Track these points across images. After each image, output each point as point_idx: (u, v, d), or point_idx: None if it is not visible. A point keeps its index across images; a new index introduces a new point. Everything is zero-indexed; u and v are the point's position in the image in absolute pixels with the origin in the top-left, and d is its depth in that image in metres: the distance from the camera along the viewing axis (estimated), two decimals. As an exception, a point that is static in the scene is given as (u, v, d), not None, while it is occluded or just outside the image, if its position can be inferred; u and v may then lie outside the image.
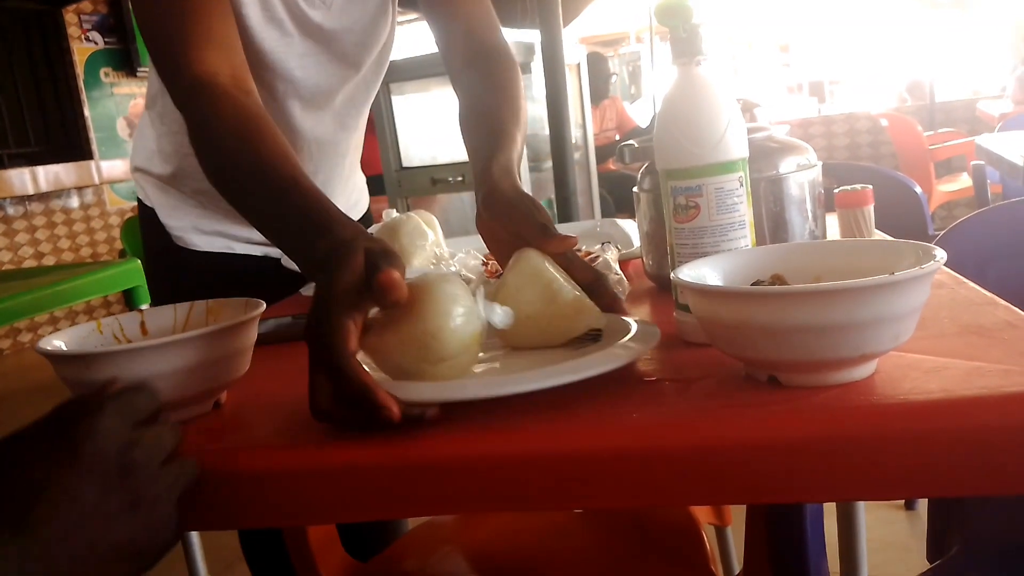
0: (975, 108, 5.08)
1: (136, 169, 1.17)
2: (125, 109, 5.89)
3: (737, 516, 1.21)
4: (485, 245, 0.81)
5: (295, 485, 0.55)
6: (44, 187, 5.24)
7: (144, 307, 1.88)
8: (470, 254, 1.04)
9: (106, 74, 5.80)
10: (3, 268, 4.99)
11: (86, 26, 5.68)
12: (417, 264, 1.06)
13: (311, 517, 0.55)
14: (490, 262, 1.02)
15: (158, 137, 1.12)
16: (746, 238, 0.66)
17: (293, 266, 1.07)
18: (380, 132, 2.87)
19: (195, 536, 1.63)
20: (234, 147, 0.74)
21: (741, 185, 0.65)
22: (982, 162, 2.30)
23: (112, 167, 5.59)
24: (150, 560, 0.51)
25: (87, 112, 5.62)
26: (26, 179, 5.12)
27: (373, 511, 0.55)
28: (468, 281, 0.87)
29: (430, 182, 2.85)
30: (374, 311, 0.58)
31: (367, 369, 0.55)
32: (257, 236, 1.17)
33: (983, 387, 0.49)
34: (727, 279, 0.60)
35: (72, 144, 5.57)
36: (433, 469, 0.52)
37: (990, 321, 0.62)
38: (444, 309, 0.57)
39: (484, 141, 0.87)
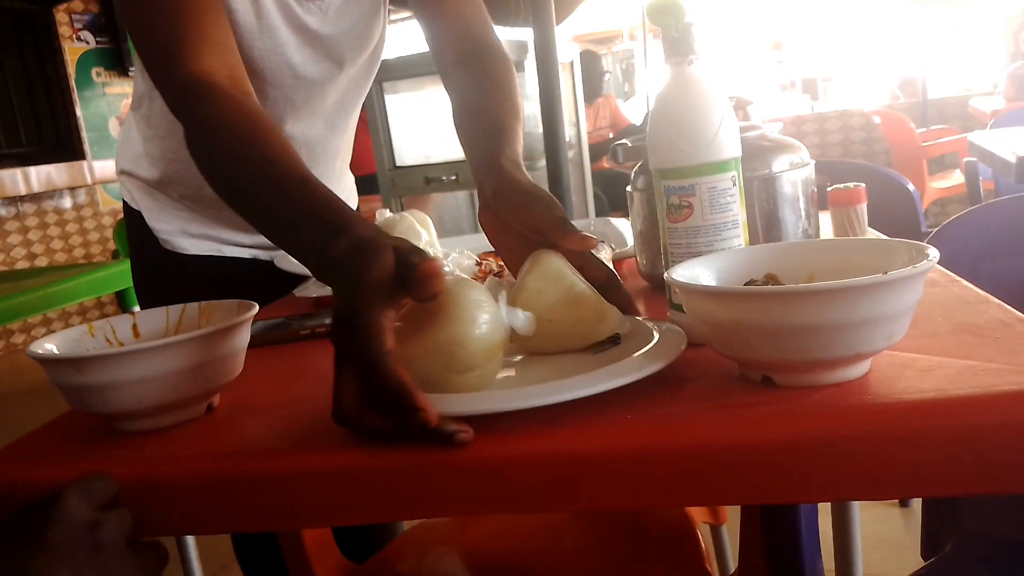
0: (967, 105, 5.09)
1: (122, 172, 1.16)
2: (117, 109, 5.86)
3: (732, 515, 1.21)
4: (488, 239, 0.78)
5: (289, 489, 0.54)
6: (36, 187, 5.22)
7: (136, 309, 1.87)
8: (464, 254, 1.04)
9: (98, 74, 5.78)
10: (-5, 269, 4.96)
11: (77, 25, 5.65)
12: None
13: (305, 521, 0.55)
14: (484, 262, 1.02)
15: (144, 141, 1.11)
16: (739, 237, 0.66)
17: (289, 267, 1.07)
18: (373, 131, 2.86)
19: (190, 538, 1.63)
20: (237, 146, 0.71)
21: (734, 184, 0.65)
22: (974, 159, 2.30)
23: (105, 167, 5.58)
24: None
25: (79, 112, 5.59)
26: (18, 179, 5.10)
27: (367, 514, 0.54)
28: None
29: (424, 181, 2.84)
30: (396, 323, 0.55)
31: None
32: (246, 239, 1.16)
33: (976, 386, 0.49)
34: (721, 279, 0.60)
35: (64, 144, 5.55)
36: (427, 472, 0.52)
37: (983, 319, 0.62)
38: (470, 316, 0.56)
39: (486, 136, 0.85)
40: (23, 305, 1.71)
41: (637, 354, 0.58)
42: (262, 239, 1.16)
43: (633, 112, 5.47)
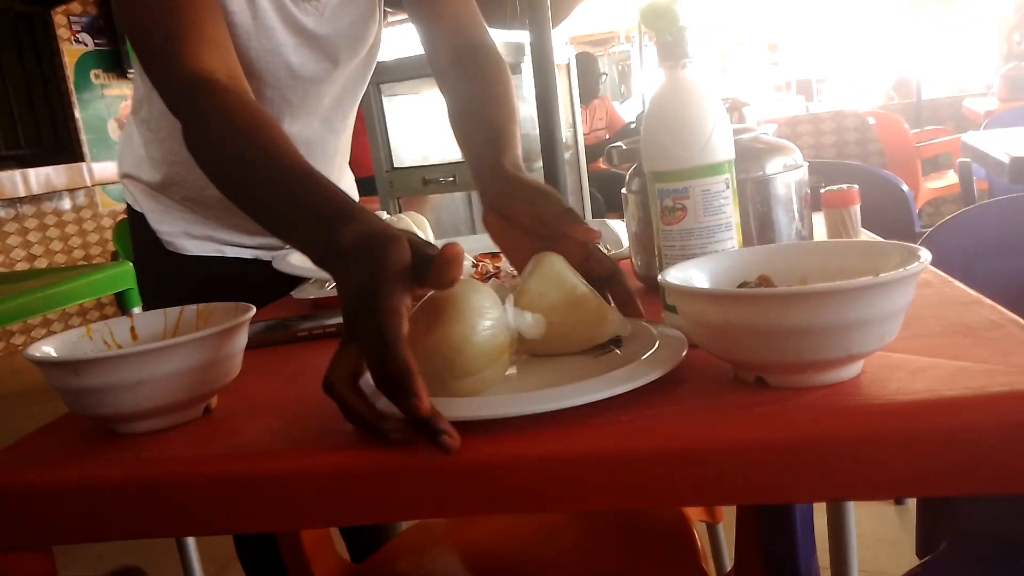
0: (961, 105, 5.10)
1: (124, 175, 1.17)
2: (116, 111, 5.86)
3: (728, 513, 1.22)
4: (493, 240, 0.78)
5: (287, 490, 0.55)
6: (35, 189, 5.22)
7: (136, 310, 1.87)
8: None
9: (96, 76, 5.77)
10: (-7, 271, 4.96)
11: (76, 27, 5.65)
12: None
13: (303, 522, 0.55)
14: (480, 263, 1.03)
15: (145, 144, 1.12)
16: (733, 239, 0.66)
17: (286, 268, 1.08)
18: (371, 133, 2.86)
19: (190, 538, 1.63)
20: (238, 140, 0.71)
21: (727, 187, 0.65)
22: (968, 159, 2.31)
23: (104, 169, 5.58)
24: None
25: (78, 114, 5.59)
26: (17, 181, 5.10)
27: (365, 515, 0.55)
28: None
29: (421, 182, 2.85)
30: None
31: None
32: (248, 240, 1.17)
33: (968, 387, 0.50)
34: (714, 281, 0.61)
35: (63, 146, 5.55)
36: (422, 473, 0.52)
37: (975, 320, 0.63)
38: (469, 322, 0.57)
39: (488, 142, 0.85)
40: (23, 307, 1.71)
41: (637, 361, 0.59)
42: (264, 240, 1.17)
43: (629, 113, 5.47)
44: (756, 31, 7.31)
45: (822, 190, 0.92)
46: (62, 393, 0.62)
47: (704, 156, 0.64)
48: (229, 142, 0.72)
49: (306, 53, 1.04)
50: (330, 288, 1.08)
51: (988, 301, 0.67)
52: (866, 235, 0.97)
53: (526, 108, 2.89)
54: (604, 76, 5.19)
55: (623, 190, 0.90)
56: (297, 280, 1.11)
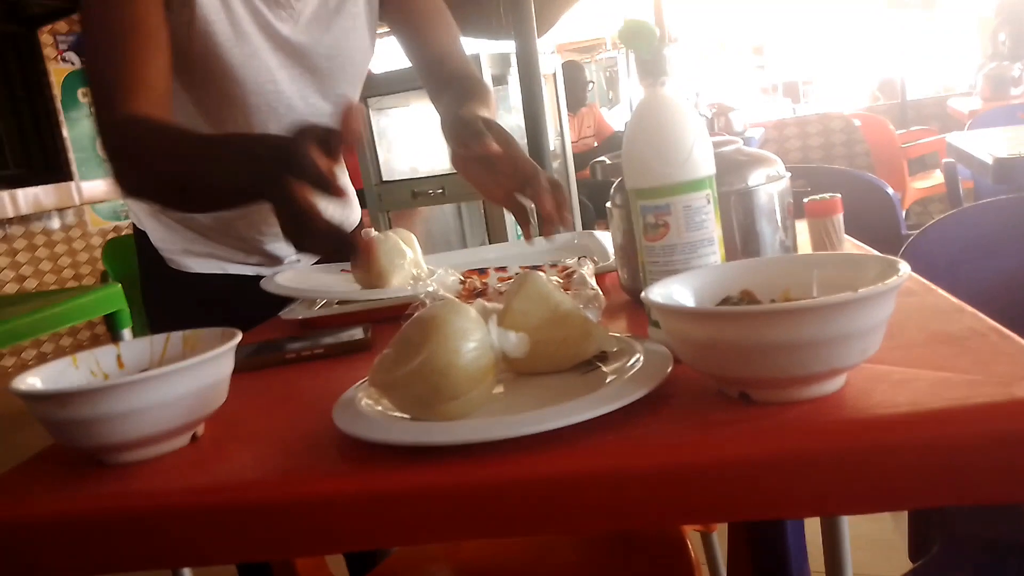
0: (946, 105, 5.14)
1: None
2: (103, 129, 5.84)
3: (721, 523, 1.22)
4: (465, 178, 0.95)
5: (278, 518, 0.55)
6: (24, 209, 5.19)
7: (126, 332, 1.87)
8: (448, 272, 1.04)
9: (84, 94, 5.75)
10: (-17, 293, 4.94)
11: (62, 47, 5.64)
12: (396, 283, 1.06)
13: (295, 550, 0.55)
14: (468, 280, 1.03)
15: None
16: (715, 254, 0.67)
17: (275, 288, 1.08)
18: (359, 146, 2.87)
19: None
20: (158, 148, 0.84)
21: (709, 202, 0.66)
22: (953, 160, 2.33)
23: (93, 187, 5.56)
24: None
25: (66, 133, 5.57)
26: (5, 201, 5.07)
27: (355, 543, 0.55)
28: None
29: (410, 195, 2.85)
30: (386, 351, 0.60)
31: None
32: (248, 257, 1.18)
33: (950, 399, 0.50)
34: (697, 296, 0.61)
35: (51, 165, 5.52)
36: (411, 499, 0.52)
37: (957, 329, 0.63)
38: (453, 346, 0.57)
39: (455, 100, 1.04)
40: (12, 331, 1.70)
41: (623, 379, 0.59)
42: (264, 255, 1.18)
43: (618, 120, 5.49)
44: (741, 34, 7.35)
45: (805, 200, 0.93)
46: (48, 425, 0.62)
47: (685, 172, 0.65)
48: (151, 154, 0.84)
49: (282, 59, 1.07)
50: (319, 308, 1.08)
51: (970, 309, 0.67)
52: (850, 243, 0.97)
53: (514, 118, 2.90)
54: (591, 84, 5.21)
55: (608, 204, 0.91)
56: (286, 302, 1.11)
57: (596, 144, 4.81)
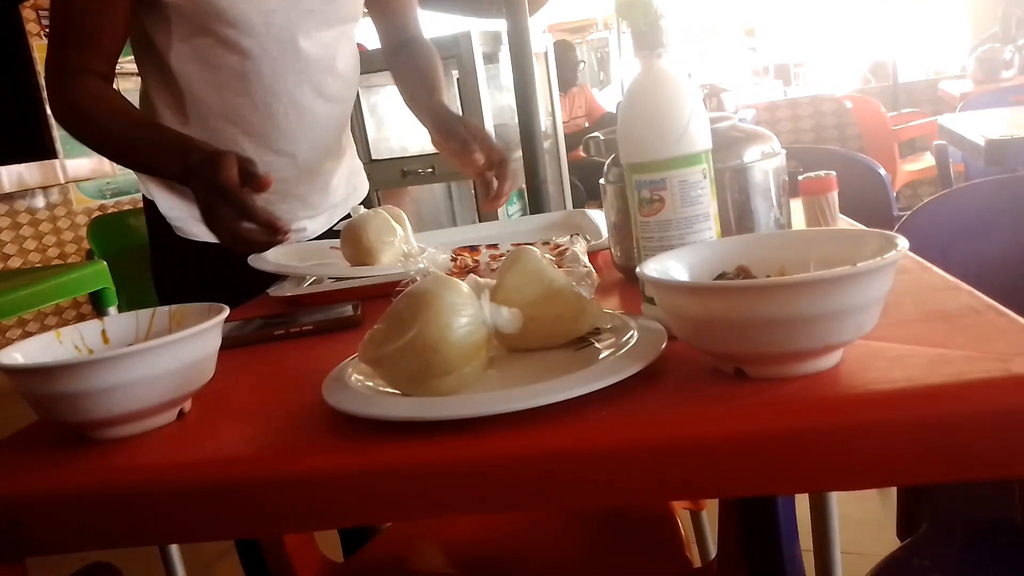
0: (937, 88, 5.14)
1: None
2: (88, 106, 5.76)
3: (712, 501, 1.22)
4: (437, 148, 1.15)
5: (264, 495, 0.54)
6: (7, 187, 5.13)
7: (112, 310, 1.85)
8: (439, 249, 1.03)
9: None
10: (-33, 272, 4.89)
11: (44, 22, 5.55)
12: (386, 261, 1.05)
13: (282, 528, 0.54)
14: (459, 257, 1.02)
15: None
16: (711, 230, 0.66)
17: (261, 264, 1.06)
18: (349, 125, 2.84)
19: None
20: (105, 113, 1.01)
21: (705, 177, 0.65)
22: (944, 142, 2.32)
23: (78, 165, 5.48)
24: None
25: (49, 110, 5.50)
26: (-11, 179, 5.01)
27: (343, 519, 0.54)
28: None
29: (400, 174, 2.83)
30: (376, 326, 0.59)
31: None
32: None
33: (946, 374, 0.50)
34: (693, 272, 0.60)
35: (35, 143, 5.45)
36: (401, 474, 0.52)
37: (953, 306, 0.63)
38: (444, 321, 0.56)
39: (420, 84, 1.24)
40: (-5, 309, 1.68)
41: (617, 354, 0.58)
42: None
43: (609, 101, 5.47)
44: (733, 16, 7.32)
45: (800, 177, 0.92)
46: (31, 400, 0.61)
47: (681, 147, 0.64)
48: (99, 115, 1.01)
49: (282, 6, 1.08)
50: (308, 285, 1.07)
51: (965, 286, 0.67)
52: (844, 221, 0.97)
53: (505, 97, 2.88)
54: (582, 64, 5.18)
55: (601, 180, 0.90)
56: (274, 279, 1.10)
57: (587, 124, 4.79)
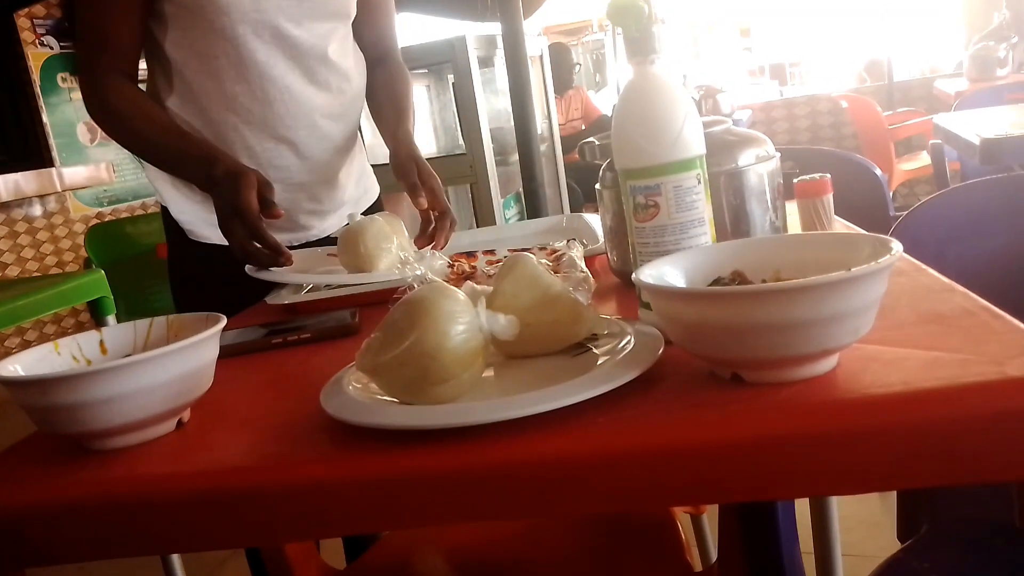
0: (932, 87, 5.14)
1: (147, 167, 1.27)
2: (85, 114, 5.74)
3: (712, 504, 1.22)
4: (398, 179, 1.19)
5: (264, 506, 0.54)
6: (4, 196, 5.10)
7: (110, 318, 1.84)
8: (436, 255, 1.03)
9: (63, 79, 5.67)
10: (-36, 281, 4.88)
11: (40, 31, 5.55)
12: (383, 267, 1.05)
13: (282, 536, 0.54)
14: (456, 263, 1.02)
15: None
16: (706, 235, 0.66)
17: (258, 275, 1.07)
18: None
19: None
20: (138, 116, 1.10)
21: (699, 182, 0.65)
22: (940, 141, 2.33)
23: (74, 174, 5.47)
24: None
25: (45, 119, 5.49)
26: (-16, 189, 5.00)
27: (343, 528, 0.54)
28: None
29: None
30: (374, 334, 0.59)
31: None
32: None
33: (942, 378, 0.50)
34: (688, 277, 0.61)
35: (31, 151, 5.45)
36: (399, 483, 0.52)
37: (948, 308, 0.63)
38: (441, 329, 0.56)
39: (392, 114, 1.28)
40: (-8, 319, 1.68)
41: (614, 360, 0.58)
42: (278, 224, 1.20)
43: (605, 103, 5.47)
44: (728, 16, 7.33)
45: (795, 180, 0.93)
46: (30, 412, 0.61)
47: (675, 152, 0.64)
48: (132, 118, 1.10)
49: None
50: (305, 293, 1.07)
51: (961, 289, 0.67)
52: (840, 223, 0.97)
53: (501, 101, 2.88)
54: (578, 66, 5.18)
55: (597, 185, 0.90)
56: (272, 287, 1.10)
57: (583, 127, 4.79)
